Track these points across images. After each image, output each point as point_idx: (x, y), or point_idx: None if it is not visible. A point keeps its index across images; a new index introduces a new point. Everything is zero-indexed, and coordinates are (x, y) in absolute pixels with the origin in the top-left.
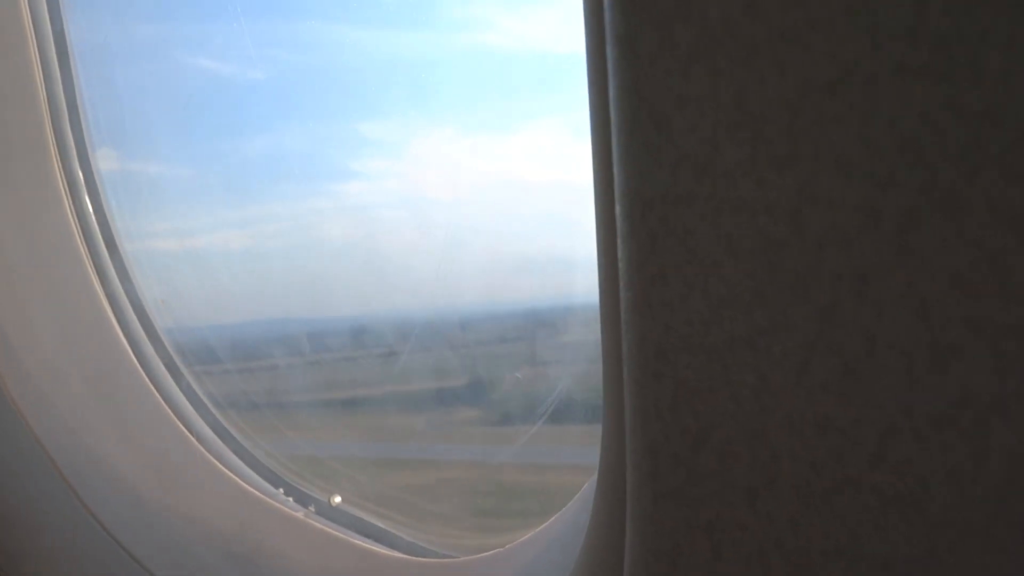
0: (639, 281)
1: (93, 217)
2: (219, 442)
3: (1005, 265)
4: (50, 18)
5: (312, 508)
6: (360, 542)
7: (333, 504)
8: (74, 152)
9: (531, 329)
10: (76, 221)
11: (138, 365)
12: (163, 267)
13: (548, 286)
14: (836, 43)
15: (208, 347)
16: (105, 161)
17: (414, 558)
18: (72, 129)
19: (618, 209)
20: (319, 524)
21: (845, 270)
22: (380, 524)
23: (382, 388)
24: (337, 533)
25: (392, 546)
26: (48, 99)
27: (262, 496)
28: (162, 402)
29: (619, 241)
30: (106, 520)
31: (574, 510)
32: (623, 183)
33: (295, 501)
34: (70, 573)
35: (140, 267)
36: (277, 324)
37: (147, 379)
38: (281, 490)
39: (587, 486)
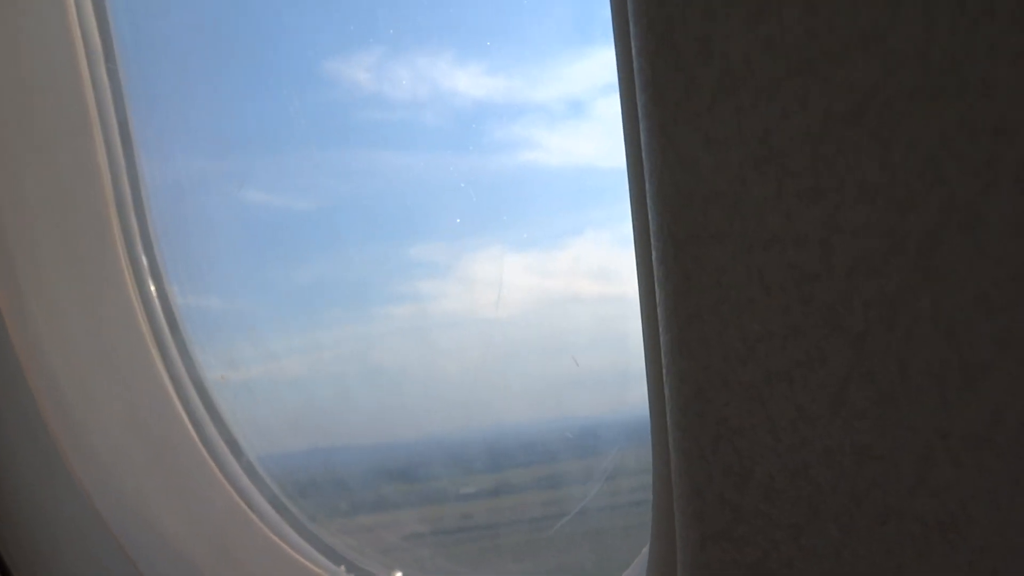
0: (677, 321)
1: (156, 301)
2: (279, 519)
3: None
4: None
5: None
6: None
7: None
8: (138, 240)
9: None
10: (140, 305)
11: (199, 443)
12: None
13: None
14: (852, 73)
15: None
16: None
17: None
18: (136, 217)
19: (654, 253)
20: None
21: (874, 297)
22: None
23: None
24: None
25: None
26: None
27: (324, 574)
28: (223, 479)
29: (656, 284)
30: None
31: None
32: (657, 225)
33: None
34: None
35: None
36: (327, 452)
37: (208, 457)
38: (343, 567)
39: (646, 548)
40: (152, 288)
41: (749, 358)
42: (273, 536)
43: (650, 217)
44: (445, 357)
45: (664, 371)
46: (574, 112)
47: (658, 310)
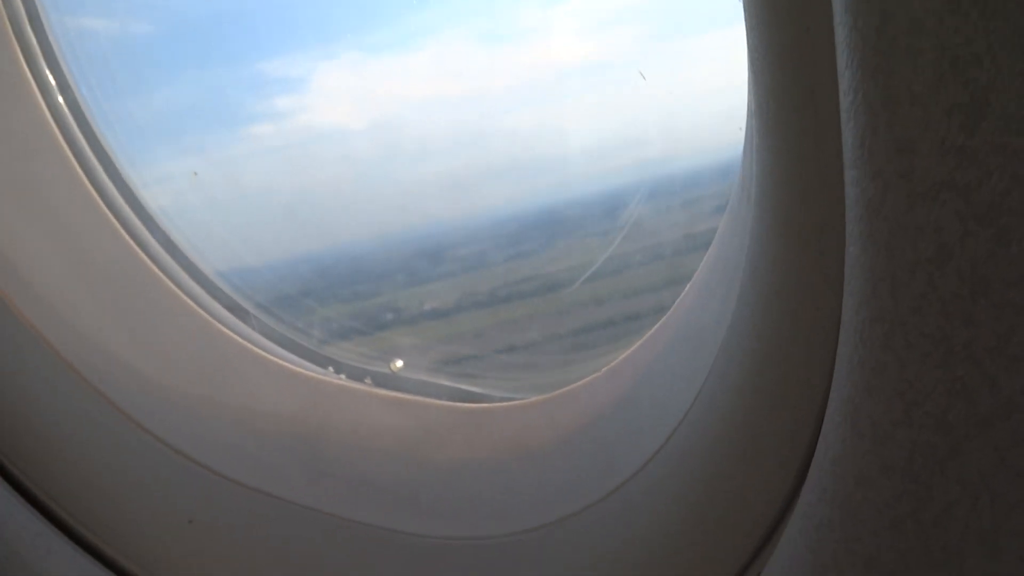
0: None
1: (70, 117)
2: (250, 330)
3: None
4: None
5: (369, 380)
6: (434, 401)
7: (394, 370)
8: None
9: None
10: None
11: (151, 264)
12: None
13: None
14: None
15: None
16: None
17: (498, 404)
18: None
19: None
20: (385, 392)
21: None
22: (448, 383)
23: None
24: (408, 396)
25: (467, 401)
26: None
27: (316, 375)
28: (184, 296)
29: None
30: (155, 430)
31: (686, 310)
32: None
33: (348, 377)
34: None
35: None
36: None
37: (164, 277)
38: (330, 368)
39: (690, 286)
40: (63, 102)
41: None
42: (251, 346)
43: None
44: (311, 173)
45: None
46: None
47: None
